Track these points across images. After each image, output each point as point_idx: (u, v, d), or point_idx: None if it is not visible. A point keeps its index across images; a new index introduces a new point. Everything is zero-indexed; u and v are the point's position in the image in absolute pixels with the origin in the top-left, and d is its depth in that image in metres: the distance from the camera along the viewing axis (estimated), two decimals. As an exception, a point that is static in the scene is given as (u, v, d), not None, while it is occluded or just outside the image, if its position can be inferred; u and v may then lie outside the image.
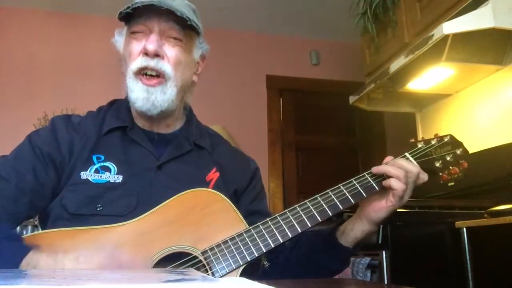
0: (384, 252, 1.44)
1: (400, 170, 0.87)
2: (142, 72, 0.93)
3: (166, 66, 0.93)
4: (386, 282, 1.41)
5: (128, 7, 0.92)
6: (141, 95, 0.93)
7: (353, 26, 2.48)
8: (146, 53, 0.92)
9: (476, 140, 1.99)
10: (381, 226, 1.42)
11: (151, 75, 0.93)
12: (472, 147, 1.89)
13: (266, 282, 0.48)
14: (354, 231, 0.91)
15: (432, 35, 1.68)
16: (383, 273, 1.43)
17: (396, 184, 0.86)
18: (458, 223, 1.43)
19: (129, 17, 0.95)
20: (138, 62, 0.93)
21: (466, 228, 1.41)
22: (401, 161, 0.89)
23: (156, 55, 0.92)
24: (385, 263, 1.43)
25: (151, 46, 0.91)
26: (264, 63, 3.45)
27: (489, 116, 2.00)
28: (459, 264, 1.41)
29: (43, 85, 3.01)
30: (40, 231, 0.86)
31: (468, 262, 1.40)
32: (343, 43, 3.46)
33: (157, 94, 0.93)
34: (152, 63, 0.92)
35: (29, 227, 2.27)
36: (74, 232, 0.82)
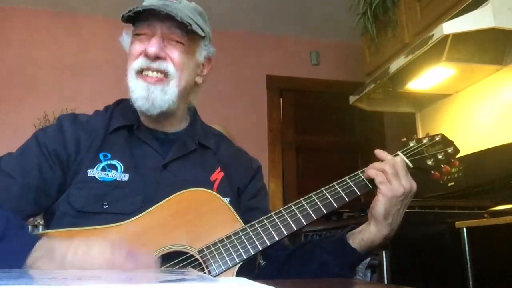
0: (384, 252, 1.44)
1: (378, 164, 0.91)
2: (143, 73, 0.94)
3: (169, 67, 0.94)
4: (386, 282, 1.41)
5: (130, 10, 0.92)
6: (141, 94, 0.93)
7: (353, 26, 2.48)
8: (147, 55, 0.93)
9: (476, 140, 1.99)
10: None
11: (152, 75, 0.94)
12: (472, 147, 1.91)
13: (266, 282, 0.48)
14: (362, 232, 0.91)
15: (432, 35, 1.68)
16: (383, 273, 1.43)
17: (371, 172, 0.90)
18: (458, 223, 1.43)
19: (134, 19, 0.96)
20: (139, 62, 0.94)
21: (466, 228, 1.41)
22: (379, 152, 0.95)
23: (158, 57, 0.93)
24: (385, 263, 1.43)
25: (152, 49, 0.92)
26: (264, 63, 3.45)
27: (489, 116, 2.00)
28: (459, 264, 1.41)
29: (43, 85, 3.01)
30: (41, 231, 0.86)
31: (468, 262, 1.40)
32: (343, 43, 3.46)
33: (157, 93, 0.93)
34: (154, 65, 0.93)
35: (29, 227, 2.27)
36: (72, 232, 0.82)
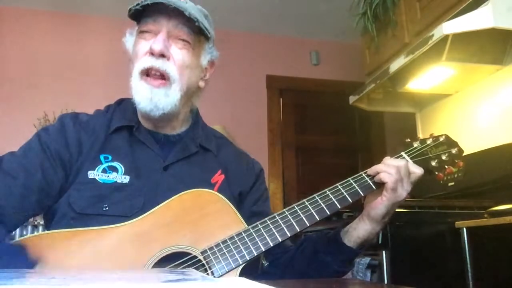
0: (384, 252, 1.44)
1: (389, 165, 0.89)
2: (147, 73, 0.93)
3: (171, 68, 0.92)
4: (386, 282, 1.41)
5: (138, 4, 0.91)
6: (145, 95, 0.92)
7: (353, 26, 2.48)
8: (152, 53, 0.92)
9: (476, 140, 1.99)
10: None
11: (155, 75, 0.93)
12: (472, 147, 1.91)
13: (266, 282, 0.48)
14: (357, 230, 0.92)
15: (432, 35, 1.68)
16: (383, 273, 1.44)
17: (385, 176, 0.88)
18: (458, 223, 1.44)
19: (139, 16, 0.95)
20: (144, 62, 0.92)
21: (466, 228, 1.42)
22: (388, 159, 0.92)
23: (162, 55, 0.91)
24: (385, 263, 1.43)
25: (157, 46, 0.91)
26: (264, 63, 3.45)
27: (489, 116, 2.00)
28: (459, 264, 1.41)
29: (43, 85, 3.00)
30: (41, 232, 0.86)
31: (468, 262, 1.40)
32: (343, 43, 3.46)
33: (160, 96, 0.92)
34: (157, 64, 0.91)
35: (29, 227, 2.27)
36: (74, 233, 0.82)
